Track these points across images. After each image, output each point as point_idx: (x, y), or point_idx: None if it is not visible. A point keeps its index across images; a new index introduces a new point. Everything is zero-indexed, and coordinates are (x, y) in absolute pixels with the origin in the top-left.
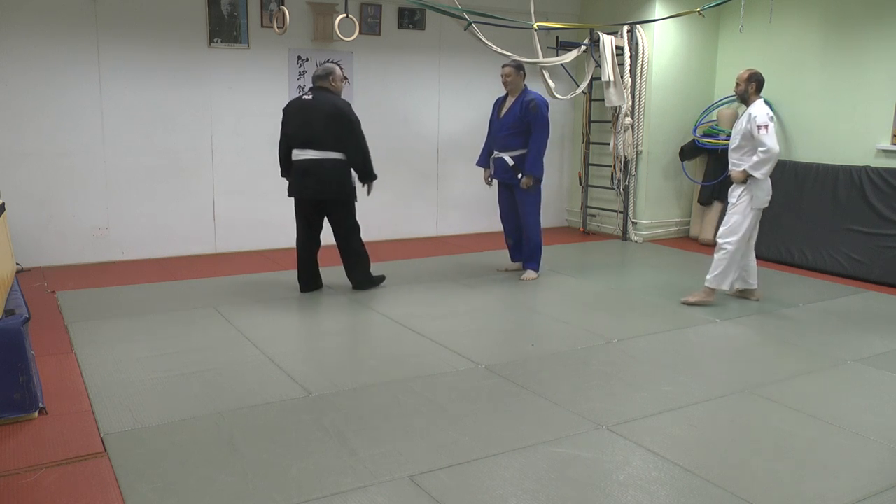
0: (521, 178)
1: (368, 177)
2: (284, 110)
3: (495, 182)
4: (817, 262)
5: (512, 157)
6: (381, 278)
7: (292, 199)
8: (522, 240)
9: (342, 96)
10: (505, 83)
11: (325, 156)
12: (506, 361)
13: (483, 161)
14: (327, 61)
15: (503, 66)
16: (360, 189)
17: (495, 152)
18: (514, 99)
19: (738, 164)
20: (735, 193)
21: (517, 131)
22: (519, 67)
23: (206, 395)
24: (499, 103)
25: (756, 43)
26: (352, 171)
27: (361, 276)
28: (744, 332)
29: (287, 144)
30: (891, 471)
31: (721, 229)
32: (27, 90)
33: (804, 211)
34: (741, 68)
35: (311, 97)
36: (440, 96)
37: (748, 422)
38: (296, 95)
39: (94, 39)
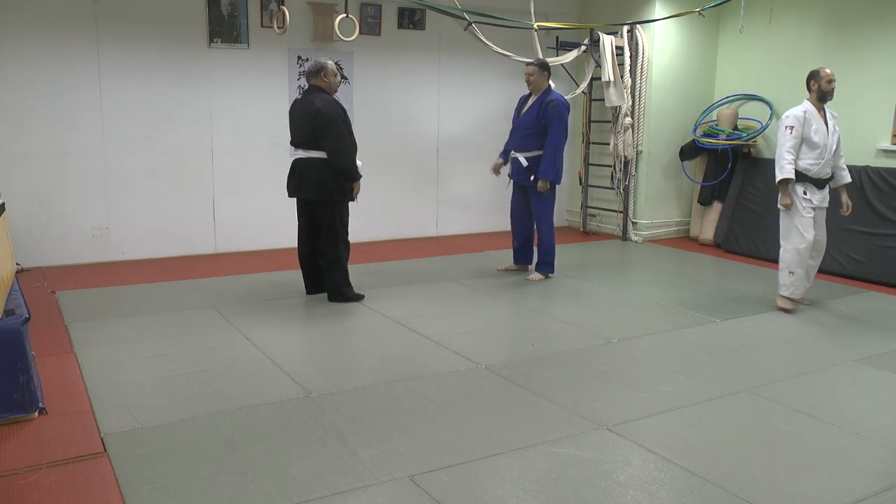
0: (534, 179)
1: (349, 177)
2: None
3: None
4: None
5: (527, 159)
6: (359, 296)
7: (293, 199)
8: (529, 243)
9: (338, 92)
10: (527, 81)
11: (309, 155)
12: (506, 361)
13: (503, 155)
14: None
15: (527, 65)
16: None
17: (512, 152)
18: (535, 98)
19: (829, 171)
20: (824, 198)
21: (534, 132)
22: (543, 67)
23: (206, 395)
24: (522, 101)
25: (756, 43)
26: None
27: (333, 287)
28: (744, 331)
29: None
30: (891, 471)
31: (825, 238)
32: (27, 90)
33: None
34: (741, 68)
35: (301, 96)
36: (440, 96)
37: (748, 422)
38: (296, 95)
39: (94, 39)
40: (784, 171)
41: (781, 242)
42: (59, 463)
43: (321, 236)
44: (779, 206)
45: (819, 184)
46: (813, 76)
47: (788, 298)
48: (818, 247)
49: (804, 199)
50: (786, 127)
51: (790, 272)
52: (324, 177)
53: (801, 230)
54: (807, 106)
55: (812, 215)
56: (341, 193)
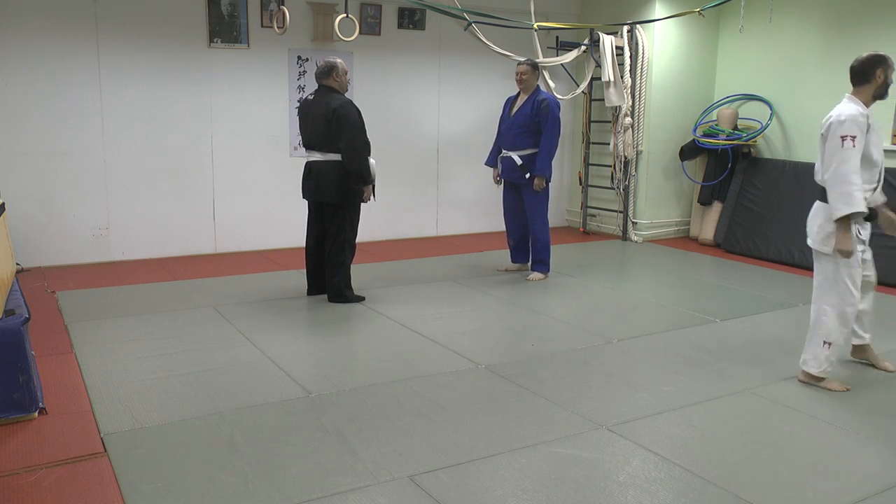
0: (529, 177)
1: (359, 179)
2: (297, 111)
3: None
4: None
5: (520, 157)
6: (360, 298)
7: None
8: (525, 241)
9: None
10: (520, 80)
11: (324, 158)
12: (506, 361)
13: (492, 161)
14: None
15: (519, 64)
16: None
17: (503, 151)
18: (525, 98)
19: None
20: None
21: (527, 131)
22: (535, 67)
23: (206, 395)
24: (510, 102)
25: (756, 43)
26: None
27: (335, 290)
28: (744, 332)
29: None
30: (891, 471)
31: (875, 277)
32: (27, 89)
33: (804, 211)
34: (741, 68)
35: (312, 97)
36: (440, 96)
37: (748, 422)
38: (296, 95)
39: (94, 39)
40: (854, 200)
41: (816, 300)
42: (59, 463)
43: (328, 238)
44: (834, 251)
45: (869, 215)
46: (879, 62)
47: (814, 375)
48: (868, 286)
49: (858, 239)
50: (847, 138)
51: (826, 342)
52: (339, 180)
53: (851, 284)
54: (862, 108)
55: (864, 257)
56: (359, 196)
